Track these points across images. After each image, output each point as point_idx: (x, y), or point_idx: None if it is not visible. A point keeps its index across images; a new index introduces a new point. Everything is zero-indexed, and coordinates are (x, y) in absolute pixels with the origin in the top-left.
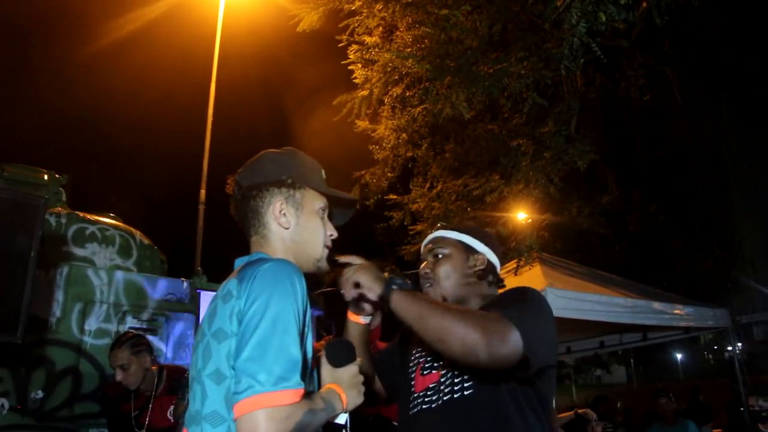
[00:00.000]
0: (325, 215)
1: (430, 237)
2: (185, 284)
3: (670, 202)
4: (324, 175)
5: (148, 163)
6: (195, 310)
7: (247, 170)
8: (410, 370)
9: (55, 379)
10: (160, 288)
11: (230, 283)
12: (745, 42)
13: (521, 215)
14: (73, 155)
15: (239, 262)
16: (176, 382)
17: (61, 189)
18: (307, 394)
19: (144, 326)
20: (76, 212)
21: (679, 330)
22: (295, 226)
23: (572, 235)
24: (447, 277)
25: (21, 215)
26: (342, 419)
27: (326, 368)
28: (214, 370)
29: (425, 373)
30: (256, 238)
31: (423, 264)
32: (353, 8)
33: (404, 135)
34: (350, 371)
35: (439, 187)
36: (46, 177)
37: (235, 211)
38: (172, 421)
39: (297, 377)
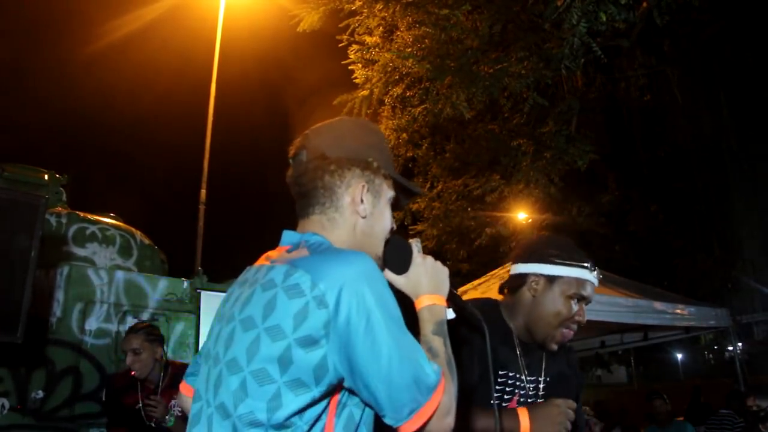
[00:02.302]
0: None
1: (594, 282)
2: (185, 284)
3: (670, 202)
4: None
5: (148, 163)
6: (195, 310)
7: (327, 138)
8: (496, 395)
9: (55, 379)
10: (160, 288)
11: (297, 276)
12: (745, 42)
13: (521, 215)
14: (73, 155)
15: (291, 238)
16: (178, 378)
17: (61, 189)
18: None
19: None
20: (77, 212)
21: (680, 330)
22: (370, 216)
23: (572, 235)
24: None
25: (21, 215)
26: (450, 315)
27: (400, 280)
28: (258, 369)
29: (524, 400)
30: (320, 218)
31: (576, 309)
32: (353, 8)
33: (404, 135)
34: (422, 269)
35: (440, 186)
36: (46, 177)
37: (299, 179)
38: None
39: (433, 372)
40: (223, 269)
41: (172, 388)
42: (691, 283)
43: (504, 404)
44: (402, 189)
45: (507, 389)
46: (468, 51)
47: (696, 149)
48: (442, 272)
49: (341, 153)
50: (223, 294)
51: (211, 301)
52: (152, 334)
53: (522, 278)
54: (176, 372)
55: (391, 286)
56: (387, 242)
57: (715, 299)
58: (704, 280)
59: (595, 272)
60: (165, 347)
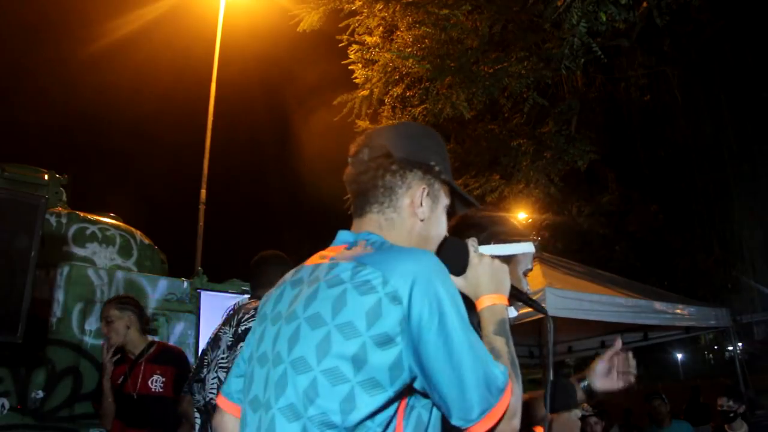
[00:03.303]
0: None
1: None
2: (185, 284)
3: (670, 202)
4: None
5: (148, 163)
6: (195, 310)
7: (391, 138)
8: None
9: (55, 379)
10: (160, 288)
11: (367, 272)
12: (745, 42)
13: (522, 215)
14: (73, 155)
15: (347, 237)
16: (164, 354)
17: (61, 189)
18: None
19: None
20: (77, 212)
21: (680, 330)
22: (427, 220)
23: (573, 235)
24: None
25: (21, 215)
26: (513, 313)
27: (459, 281)
28: (331, 368)
29: None
30: (377, 217)
31: (525, 281)
32: (353, 8)
33: None
34: (480, 269)
35: None
36: (46, 177)
37: (359, 177)
38: (153, 390)
39: (501, 373)
40: (223, 269)
41: (154, 362)
42: (691, 283)
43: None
44: (457, 197)
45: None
46: (468, 51)
47: (696, 149)
48: (501, 271)
49: (404, 154)
50: (223, 294)
51: (211, 301)
52: (123, 302)
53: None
54: (162, 349)
55: None
56: (442, 244)
57: (715, 299)
58: (704, 280)
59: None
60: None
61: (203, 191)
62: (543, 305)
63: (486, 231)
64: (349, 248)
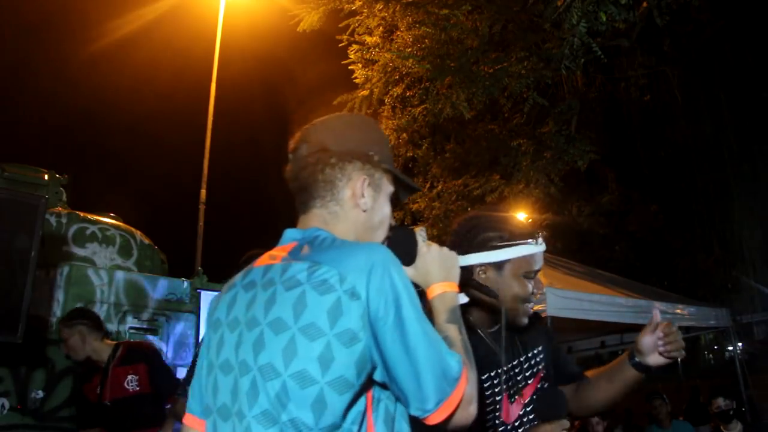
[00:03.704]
0: None
1: (542, 250)
2: (185, 284)
3: (670, 202)
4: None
5: (148, 163)
6: (195, 310)
7: (328, 131)
8: (486, 394)
9: (55, 379)
10: (160, 288)
11: (323, 271)
12: (745, 42)
13: (522, 215)
14: (73, 155)
15: (294, 235)
16: (131, 353)
17: (61, 189)
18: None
19: (144, 326)
20: (77, 212)
21: (681, 330)
22: (371, 210)
23: (573, 235)
24: None
25: (21, 215)
26: (463, 299)
27: (408, 271)
28: (298, 371)
29: (514, 400)
30: (321, 212)
31: (528, 284)
32: (353, 8)
33: (405, 135)
34: (429, 258)
35: (440, 187)
36: (46, 177)
37: (299, 173)
38: (130, 391)
39: (455, 361)
40: (223, 269)
41: (124, 364)
42: (691, 283)
43: (498, 406)
44: (401, 185)
45: (496, 390)
46: (468, 51)
47: (696, 149)
48: (450, 258)
49: (342, 146)
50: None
51: (211, 302)
52: (70, 318)
53: (468, 272)
54: (129, 350)
55: None
56: (390, 236)
57: (715, 299)
58: (704, 280)
59: (539, 239)
60: (165, 347)
61: (203, 191)
62: (494, 290)
63: (479, 237)
64: (298, 247)
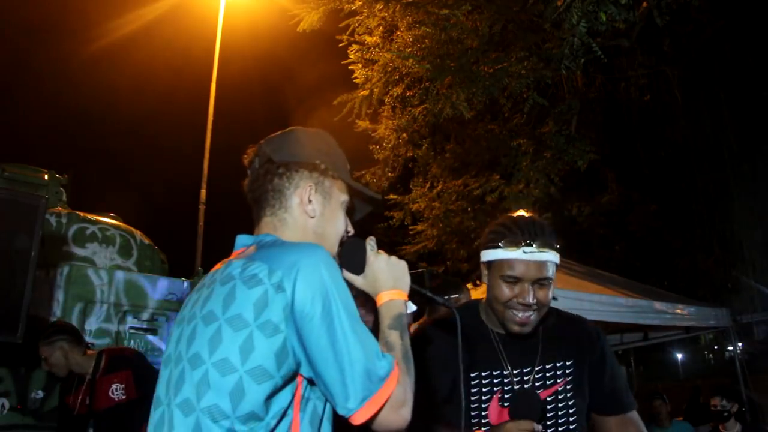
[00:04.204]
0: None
1: (528, 259)
2: (185, 284)
3: (670, 202)
4: (348, 167)
5: (148, 162)
6: None
7: (276, 144)
8: (473, 398)
9: (55, 379)
10: (160, 288)
11: (254, 267)
12: (745, 42)
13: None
14: (73, 155)
15: (245, 241)
16: (115, 362)
17: (61, 189)
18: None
19: (144, 326)
20: (77, 212)
21: (680, 330)
22: (320, 217)
23: (572, 235)
24: (546, 306)
25: (21, 215)
26: (411, 308)
27: (358, 280)
28: (221, 359)
29: (506, 404)
30: (271, 220)
31: (517, 290)
32: (353, 8)
33: (404, 135)
34: (376, 266)
35: (440, 186)
36: (46, 177)
37: (252, 185)
38: (116, 400)
39: (386, 362)
40: None
41: (108, 373)
42: (691, 283)
43: (484, 404)
44: (358, 194)
45: (484, 389)
46: (468, 51)
47: (696, 149)
48: (398, 267)
49: (288, 157)
50: None
51: None
52: (48, 336)
53: (480, 267)
54: (111, 358)
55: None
56: (341, 245)
57: (715, 299)
58: (704, 280)
59: (526, 247)
60: (165, 347)
61: (203, 191)
62: (445, 299)
63: (487, 235)
64: (246, 250)
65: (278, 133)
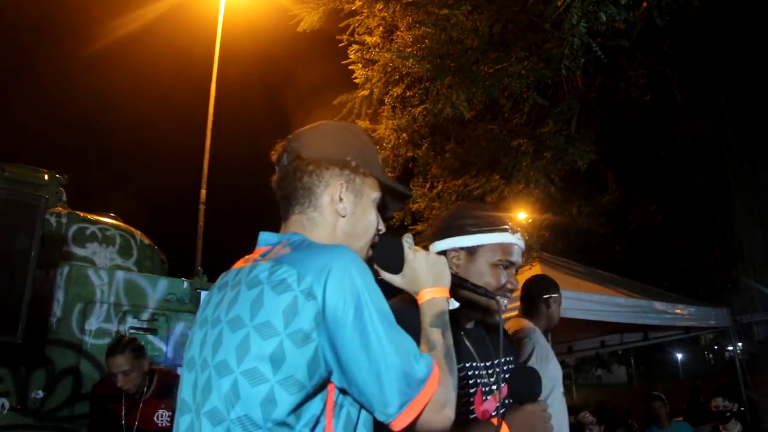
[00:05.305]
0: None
1: (518, 244)
2: (185, 284)
3: (670, 202)
4: (380, 162)
5: (148, 163)
6: (195, 310)
7: (305, 140)
8: (461, 392)
9: (55, 379)
10: (160, 288)
11: (282, 271)
12: (745, 42)
13: (521, 215)
14: (73, 155)
15: (269, 239)
16: (166, 387)
17: (61, 189)
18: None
19: (144, 326)
20: (77, 212)
21: (680, 330)
22: (351, 216)
23: (572, 235)
24: None
25: (21, 215)
26: (454, 305)
27: (397, 279)
28: (250, 369)
29: (488, 397)
30: (299, 218)
31: (501, 274)
32: (353, 8)
33: (404, 135)
34: (416, 264)
35: (440, 187)
36: (46, 177)
37: (281, 182)
38: (159, 425)
39: (423, 364)
40: (223, 269)
41: (158, 398)
42: (691, 283)
43: (471, 398)
44: (389, 190)
45: (470, 382)
46: (468, 51)
47: (696, 149)
48: (438, 263)
49: (319, 153)
50: None
51: None
52: (137, 349)
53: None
54: (162, 380)
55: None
56: (377, 243)
57: (715, 299)
58: (704, 280)
59: (517, 235)
60: (164, 347)
61: (203, 191)
62: (485, 290)
63: (456, 222)
64: (270, 250)
65: (307, 127)
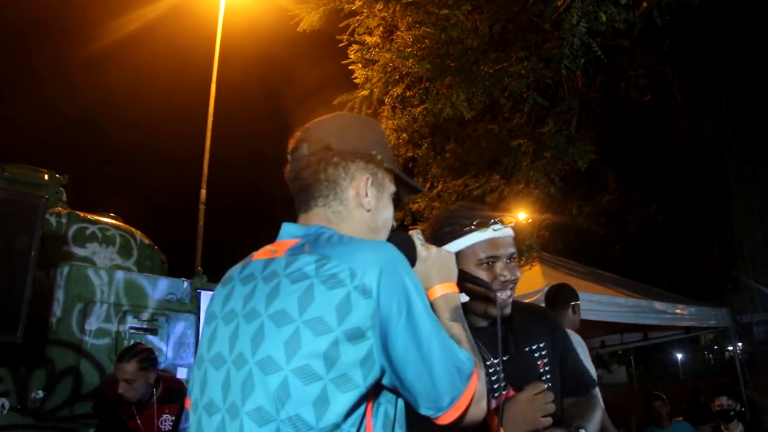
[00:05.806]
0: None
1: (498, 235)
2: (185, 284)
3: (670, 202)
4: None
5: (148, 163)
6: (195, 310)
7: (329, 130)
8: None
9: (55, 379)
10: (160, 288)
11: (333, 265)
12: (745, 42)
13: (521, 215)
14: (73, 155)
15: (293, 230)
16: (171, 393)
17: (61, 189)
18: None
19: (144, 326)
20: (77, 212)
21: (680, 330)
22: (374, 210)
23: (572, 235)
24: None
25: (21, 215)
26: (464, 299)
27: None
28: (301, 366)
29: (496, 395)
30: (324, 211)
31: (490, 270)
32: (353, 8)
33: (404, 135)
34: (430, 260)
35: (440, 187)
36: (46, 177)
37: (300, 172)
38: (163, 430)
39: (467, 358)
40: (224, 269)
41: (164, 403)
42: (691, 283)
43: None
44: (402, 185)
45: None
46: (468, 51)
47: (696, 149)
48: (448, 259)
49: (345, 146)
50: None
51: None
52: (146, 360)
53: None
54: (168, 386)
55: None
56: (389, 239)
57: (715, 299)
58: (704, 280)
59: (495, 225)
60: (164, 347)
61: (203, 191)
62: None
63: (437, 233)
64: (301, 243)
65: (324, 117)
